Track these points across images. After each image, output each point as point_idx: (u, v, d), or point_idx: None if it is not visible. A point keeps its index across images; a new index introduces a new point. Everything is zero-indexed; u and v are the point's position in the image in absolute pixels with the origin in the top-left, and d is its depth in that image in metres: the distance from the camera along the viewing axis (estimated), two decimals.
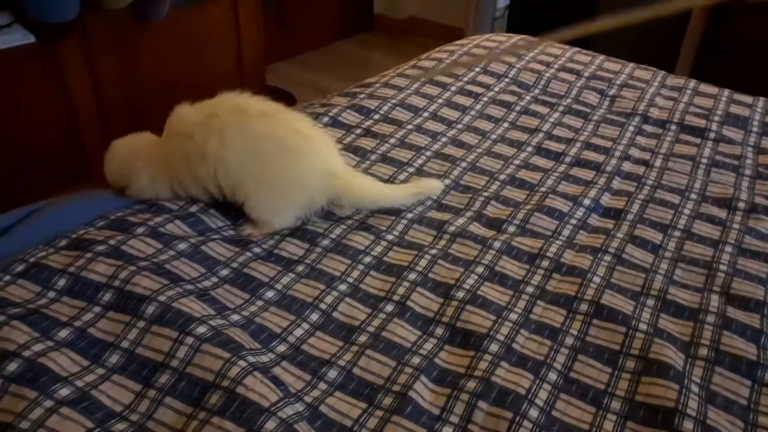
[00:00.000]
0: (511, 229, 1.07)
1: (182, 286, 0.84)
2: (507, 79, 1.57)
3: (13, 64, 1.78)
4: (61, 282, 0.84)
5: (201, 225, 0.99)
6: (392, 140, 1.28)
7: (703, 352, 0.84)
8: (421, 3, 3.70)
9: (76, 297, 0.82)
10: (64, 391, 0.70)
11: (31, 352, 0.73)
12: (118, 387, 0.72)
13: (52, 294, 0.83)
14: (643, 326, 0.87)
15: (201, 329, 0.77)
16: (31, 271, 0.85)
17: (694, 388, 0.78)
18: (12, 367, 0.72)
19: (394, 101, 1.41)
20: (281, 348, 0.81)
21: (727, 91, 1.59)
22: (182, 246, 0.92)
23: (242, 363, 0.73)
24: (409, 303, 0.89)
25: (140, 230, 0.93)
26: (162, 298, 0.81)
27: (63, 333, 0.78)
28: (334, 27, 3.54)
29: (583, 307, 0.90)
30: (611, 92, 1.55)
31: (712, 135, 1.39)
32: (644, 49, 2.89)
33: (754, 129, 1.43)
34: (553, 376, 0.80)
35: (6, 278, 0.85)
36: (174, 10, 2.04)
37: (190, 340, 0.76)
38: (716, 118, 1.45)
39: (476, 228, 1.06)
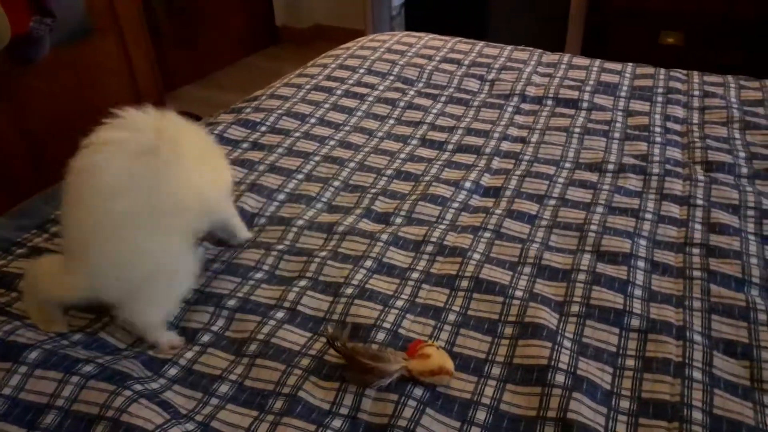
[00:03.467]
0: (398, 220, 1.10)
1: (68, 338, 0.84)
2: (391, 77, 1.61)
3: None
4: None
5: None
6: (280, 149, 1.30)
7: (575, 308, 0.90)
8: (322, 10, 3.73)
9: None
10: None
11: None
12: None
13: None
14: (519, 293, 0.92)
15: (87, 368, 0.77)
16: None
17: (567, 344, 0.84)
18: None
19: (280, 111, 1.43)
20: (173, 371, 0.81)
21: (598, 61, 1.69)
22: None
23: (127, 392, 0.74)
24: (299, 308, 0.91)
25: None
26: (47, 346, 0.80)
27: None
28: (239, 43, 3.53)
29: (464, 284, 0.95)
30: (490, 77, 1.62)
31: (584, 105, 1.48)
32: (537, 34, 3.02)
33: (623, 94, 1.52)
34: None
35: None
36: (58, 48, 2.00)
37: (75, 378, 0.76)
38: (588, 88, 1.54)
39: (365, 224, 1.09)
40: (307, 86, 1.55)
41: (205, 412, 0.76)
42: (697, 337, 0.85)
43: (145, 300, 0.82)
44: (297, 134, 1.36)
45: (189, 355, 0.84)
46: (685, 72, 1.63)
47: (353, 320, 0.89)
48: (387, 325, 0.87)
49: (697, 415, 0.73)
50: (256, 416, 0.76)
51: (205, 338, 0.87)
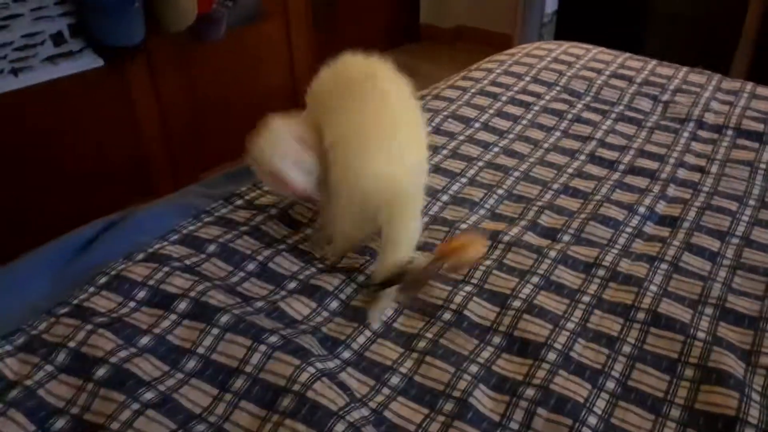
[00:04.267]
0: (566, 238, 1.08)
1: (252, 305, 0.89)
2: (558, 88, 1.58)
3: (83, 86, 1.89)
4: (141, 293, 0.90)
5: (267, 237, 1.04)
6: (444, 151, 1.31)
7: (765, 360, 0.84)
8: (467, 11, 3.72)
9: (155, 307, 0.88)
10: (149, 395, 0.76)
11: (117, 358, 0.80)
12: (196, 391, 0.77)
13: (132, 304, 0.90)
14: (701, 334, 0.87)
15: (272, 339, 0.82)
16: (113, 283, 0.92)
17: (756, 397, 0.78)
18: (101, 372, 0.78)
19: (445, 113, 1.44)
20: (346, 354, 0.85)
21: None
22: (251, 266, 0.97)
23: (311, 369, 0.77)
24: (465, 312, 0.92)
25: (211, 249, 0.99)
26: (236, 311, 0.86)
27: (144, 340, 0.84)
28: (381, 38, 3.60)
29: (641, 315, 0.91)
30: (664, 98, 1.54)
31: None
32: (699, 53, 2.84)
33: None
34: (611, 384, 0.81)
35: (91, 290, 0.92)
36: (230, 29, 2.13)
37: (263, 348, 0.81)
38: None
39: (531, 237, 1.08)
40: (472, 90, 1.55)
41: (377, 400, 0.78)
42: None
43: None
44: (461, 137, 1.36)
45: (361, 339, 0.87)
46: None
47: (521, 335, 0.88)
48: (558, 346, 0.86)
49: None
50: (427, 414, 0.77)
51: (374, 325, 0.89)
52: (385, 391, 0.80)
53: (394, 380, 0.81)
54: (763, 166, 1.28)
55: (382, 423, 0.75)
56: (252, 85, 2.36)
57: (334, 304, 0.93)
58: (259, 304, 0.90)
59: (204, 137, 2.25)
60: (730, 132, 1.41)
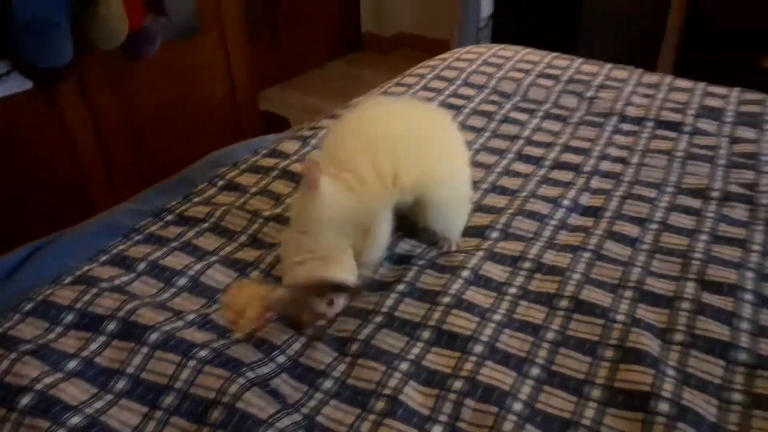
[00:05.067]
0: (495, 234, 1.11)
1: (184, 319, 0.89)
2: (487, 89, 1.62)
3: (12, 110, 1.85)
4: (69, 317, 0.89)
5: (199, 251, 1.04)
6: None
7: (679, 337, 0.88)
8: (408, 18, 3.77)
9: (83, 329, 0.87)
10: (76, 419, 0.75)
11: (43, 384, 0.79)
12: (126, 411, 0.77)
13: (59, 329, 0.88)
14: (620, 317, 0.91)
15: (203, 353, 0.82)
16: (39, 308, 0.91)
17: (671, 372, 0.83)
18: (25, 400, 0.77)
19: None
20: (281, 359, 0.85)
21: (701, 85, 1.64)
22: (182, 281, 0.97)
23: (241, 380, 0.78)
24: (396, 313, 0.94)
25: (141, 267, 0.99)
26: (165, 327, 0.86)
27: (72, 364, 0.83)
28: (324, 48, 3.62)
29: (564, 303, 0.94)
30: (589, 94, 1.60)
31: (687, 128, 1.44)
32: (629, 50, 2.95)
33: (728, 119, 1.47)
34: (535, 370, 0.84)
35: (16, 317, 0.90)
36: (165, 44, 2.12)
37: (193, 362, 0.81)
38: (691, 112, 1.50)
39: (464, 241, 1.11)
40: (406, 95, 1.58)
41: (310, 405, 0.79)
42: None
43: None
44: None
45: (296, 346, 0.88)
46: None
47: (450, 329, 0.90)
48: (485, 338, 0.88)
49: None
50: (358, 414, 0.78)
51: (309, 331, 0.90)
52: (318, 395, 0.81)
53: (327, 384, 0.83)
54: (680, 154, 1.34)
55: (314, 428, 0.76)
56: (191, 99, 2.34)
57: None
58: (191, 317, 0.90)
59: (144, 154, 2.22)
60: (650, 123, 1.47)
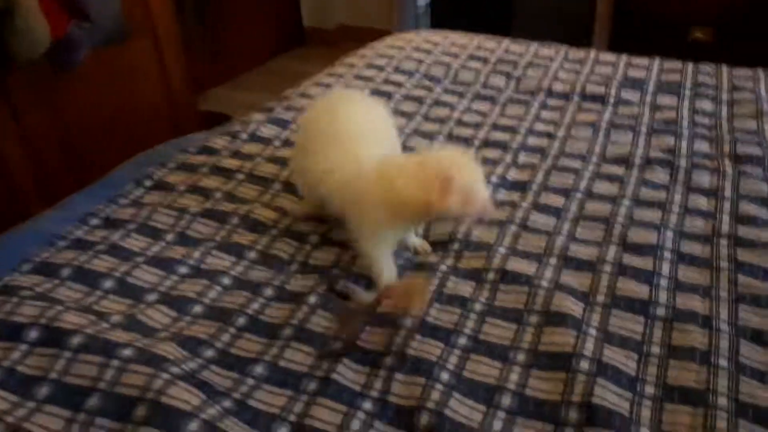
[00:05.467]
0: None
1: (108, 321, 0.88)
2: (418, 75, 1.64)
3: None
4: None
5: (125, 252, 1.02)
6: None
7: (601, 299, 0.91)
8: (348, 10, 3.77)
9: (4, 339, 0.85)
10: None
11: None
12: (48, 417, 0.75)
13: None
14: (545, 284, 0.93)
15: (126, 352, 0.81)
16: None
17: (592, 332, 0.85)
18: None
19: None
20: (209, 353, 0.85)
21: (625, 57, 1.69)
22: (108, 284, 0.95)
23: (166, 375, 0.77)
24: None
25: (65, 273, 0.97)
26: (88, 330, 0.84)
27: None
28: (267, 45, 3.59)
29: (491, 276, 0.96)
30: (517, 73, 1.63)
31: (611, 100, 1.48)
32: (564, 30, 3.01)
33: (650, 89, 1.52)
34: (462, 340, 0.86)
35: None
36: (96, 52, 2.06)
37: (116, 362, 0.79)
38: (615, 84, 1.54)
39: None
40: (336, 85, 1.58)
41: (242, 390, 0.79)
42: (724, 326, 0.85)
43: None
44: None
45: (226, 338, 0.87)
46: (713, 66, 1.62)
47: (383, 310, 0.91)
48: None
49: (723, 402, 0.74)
50: (291, 396, 0.78)
51: (241, 321, 0.90)
52: (249, 381, 0.81)
53: (258, 370, 0.82)
54: (604, 124, 1.38)
55: (246, 411, 0.76)
56: (127, 106, 2.30)
57: (198, 309, 0.92)
58: (116, 319, 0.89)
59: (79, 165, 2.16)
60: (576, 98, 1.51)
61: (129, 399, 0.75)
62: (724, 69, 1.61)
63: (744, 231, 1.03)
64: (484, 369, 0.82)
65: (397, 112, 1.47)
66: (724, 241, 1.01)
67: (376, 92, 1.54)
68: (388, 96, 1.53)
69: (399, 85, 1.59)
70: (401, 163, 0.96)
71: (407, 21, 3.34)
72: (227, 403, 0.77)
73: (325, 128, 1.02)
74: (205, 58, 3.11)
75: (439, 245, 1.04)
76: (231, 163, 1.26)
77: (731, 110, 1.42)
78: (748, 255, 0.98)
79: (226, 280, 0.97)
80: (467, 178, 0.89)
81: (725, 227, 1.05)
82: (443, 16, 3.32)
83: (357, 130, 1.01)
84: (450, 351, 0.84)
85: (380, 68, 1.67)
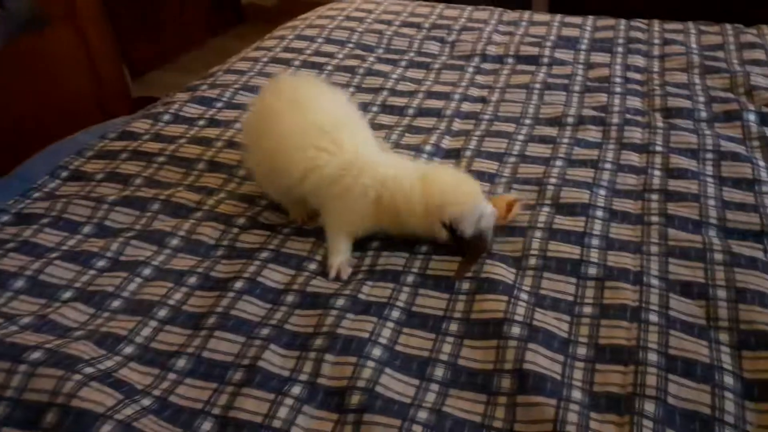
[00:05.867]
0: None
1: (18, 323, 0.82)
2: (350, 45, 1.59)
3: None
4: None
5: (38, 248, 0.96)
6: (237, 125, 1.28)
7: (532, 262, 0.90)
8: None
9: None
10: None
11: None
12: None
13: None
14: None
15: (35, 355, 0.76)
16: None
17: (524, 296, 0.84)
18: None
19: (236, 86, 1.40)
20: (128, 350, 0.80)
21: (558, 17, 1.67)
22: (18, 284, 0.90)
23: (77, 376, 0.73)
24: (259, 279, 0.90)
25: None
26: None
27: None
28: (204, 26, 3.47)
29: (423, 247, 0.94)
30: (451, 38, 1.60)
31: (545, 60, 1.46)
32: None
33: (583, 47, 1.51)
34: (396, 313, 0.83)
35: None
36: (16, 43, 1.94)
37: (24, 367, 0.74)
38: (548, 44, 1.52)
39: None
40: (264, 59, 1.52)
41: (163, 386, 0.75)
42: (654, 281, 0.85)
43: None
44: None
45: (146, 332, 0.83)
46: (646, 21, 1.62)
47: (313, 290, 0.88)
48: (347, 292, 0.86)
49: (653, 357, 0.74)
50: (215, 388, 0.75)
51: (162, 313, 0.86)
52: (171, 376, 0.77)
53: (181, 363, 0.79)
54: (538, 86, 1.36)
55: (166, 409, 0.73)
56: (51, 97, 2.18)
57: (116, 303, 0.88)
58: (26, 320, 0.83)
59: (8, 159, 2.05)
60: (510, 60, 1.48)
61: (37, 405, 0.71)
62: (656, 24, 1.60)
63: (674, 184, 1.03)
64: (416, 342, 0.80)
65: (330, 84, 1.42)
66: (654, 196, 1.01)
67: (307, 64, 1.49)
68: (319, 68, 1.48)
69: (330, 55, 1.53)
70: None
71: None
72: (146, 401, 0.73)
73: (294, 124, 0.94)
74: (141, 41, 2.99)
75: None
76: (152, 146, 1.19)
77: (662, 64, 1.42)
78: (678, 208, 0.98)
79: (146, 271, 0.92)
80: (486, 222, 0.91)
81: (656, 181, 1.04)
82: None
83: (331, 120, 0.95)
84: (383, 325, 0.81)
85: (311, 39, 1.61)
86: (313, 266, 0.92)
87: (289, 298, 0.88)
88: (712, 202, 0.98)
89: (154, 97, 2.66)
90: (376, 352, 0.78)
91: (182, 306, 0.87)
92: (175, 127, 1.26)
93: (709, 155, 1.09)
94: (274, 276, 0.91)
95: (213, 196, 1.07)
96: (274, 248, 0.96)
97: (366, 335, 0.80)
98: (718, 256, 0.87)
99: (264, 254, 0.95)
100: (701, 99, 1.26)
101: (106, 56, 2.36)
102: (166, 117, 1.29)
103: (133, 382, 0.75)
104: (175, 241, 0.98)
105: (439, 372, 0.76)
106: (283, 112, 0.97)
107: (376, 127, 1.26)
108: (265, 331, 0.82)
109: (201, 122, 1.29)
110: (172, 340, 0.82)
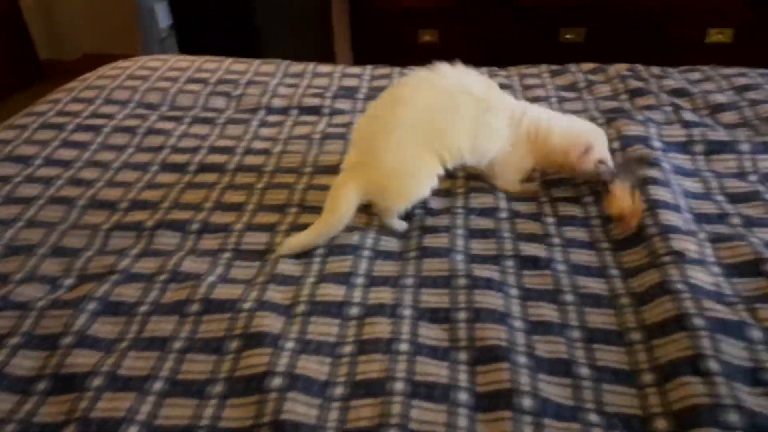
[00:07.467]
0: (134, 252, 1.06)
1: None
2: (132, 104, 1.55)
3: None
4: None
5: None
6: None
7: (301, 308, 0.93)
8: (91, 38, 3.53)
9: None
10: None
11: None
12: None
13: None
14: (248, 305, 0.93)
15: None
16: None
17: (289, 345, 0.86)
18: None
19: None
20: None
21: (340, 67, 1.77)
22: None
23: None
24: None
25: None
26: None
27: None
28: (2, 85, 3.22)
29: (195, 307, 0.94)
30: (237, 92, 1.62)
31: (326, 110, 1.54)
32: (306, 48, 3.10)
33: (361, 96, 1.61)
34: (158, 385, 0.82)
35: None
36: None
37: None
38: (329, 94, 1.60)
39: (99, 261, 1.04)
40: (34, 125, 1.44)
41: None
42: (407, 312, 0.91)
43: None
44: (18, 179, 1.25)
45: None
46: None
47: (68, 371, 0.84)
48: (106, 369, 0.83)
49: (399, 386, 0.79)
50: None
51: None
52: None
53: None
54: (317, 135, 1.43)
55: None
56: None
57: None
58: None
59: None
60: (294, 112, 1.54)
61: None
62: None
63: (431, 221, 1.13)
64: (178, 411, 0.79)
65: (106, 147, 1.38)
66: (415, 232, 1.10)
67: (81, 128, 1.43)
68: (95, 130, 1.43)
69: (110, 116, 1.49)
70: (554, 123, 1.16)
71: (150, 46, 3.18)
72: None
73: (457, 102, 1.11)
74: None
75: (145, 278, 0.99)
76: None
77: None
78: (432, 240, 1.07)
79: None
80: (602, 149, 1.13)
81: (417, 220, 1.14)
82: (189, 40, 3.22)
83: (486, 96, 1.13)
84: (143, 400, 0.79)
85: (89, 101, 1.55)
86: (68, 340, 0.88)
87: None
88: (460, 231, 1.09)
89: None
90: (133, 429, 0.75)
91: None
92: None
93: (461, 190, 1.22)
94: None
95: None
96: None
97: (122, 414, 0.77)
98: (462, 281, 0.96)
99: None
100: None
101: None
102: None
103: None
104: None
105: None
106: (450, 93, 1.12)
107: (154, 186, 1.25)
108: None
109: None
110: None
